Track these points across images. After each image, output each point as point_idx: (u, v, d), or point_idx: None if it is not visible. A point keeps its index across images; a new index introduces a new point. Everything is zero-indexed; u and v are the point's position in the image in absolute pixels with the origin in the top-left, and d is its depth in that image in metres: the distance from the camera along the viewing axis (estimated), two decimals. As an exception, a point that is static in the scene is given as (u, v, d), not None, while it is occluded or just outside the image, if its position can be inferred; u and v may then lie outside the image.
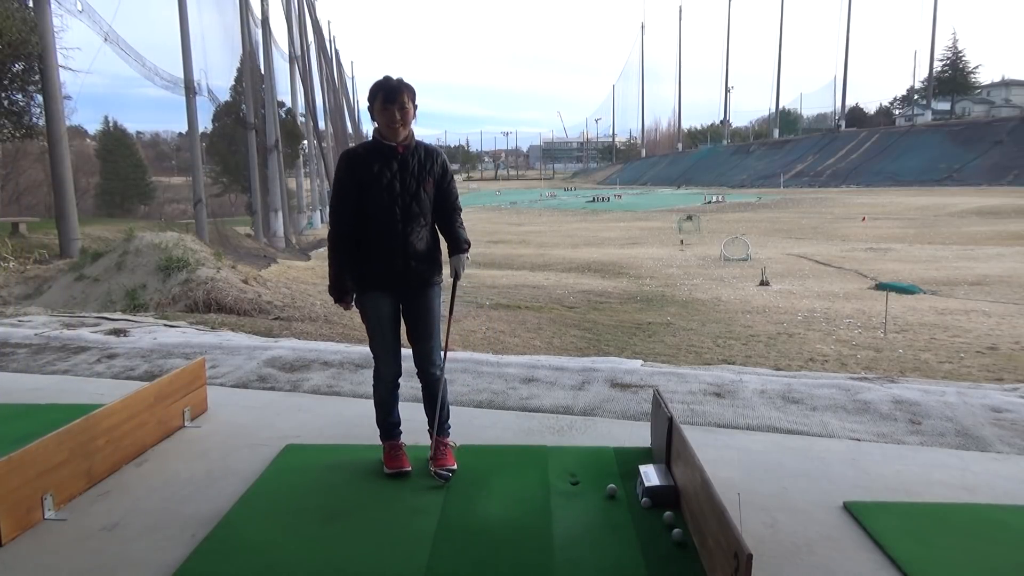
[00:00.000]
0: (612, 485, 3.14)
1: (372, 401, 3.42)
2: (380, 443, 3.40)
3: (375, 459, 3.40)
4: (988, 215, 30.24)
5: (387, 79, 3.12)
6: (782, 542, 2.76)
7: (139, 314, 8.22)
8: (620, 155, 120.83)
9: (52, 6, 13.56)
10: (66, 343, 5.92)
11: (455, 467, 3.30)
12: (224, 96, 23.94)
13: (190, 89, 17.59)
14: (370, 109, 3.16)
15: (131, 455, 3.48)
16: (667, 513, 2.87)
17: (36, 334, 6.25)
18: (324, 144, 36.13)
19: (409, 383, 4.84)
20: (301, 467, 3.42)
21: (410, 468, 3.30)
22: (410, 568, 2.56)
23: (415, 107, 3.16)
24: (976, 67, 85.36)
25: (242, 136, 23.65)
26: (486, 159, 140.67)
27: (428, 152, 3.23)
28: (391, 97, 3.08)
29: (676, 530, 2.74)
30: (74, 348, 5.77)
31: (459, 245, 3.29)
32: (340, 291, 3.21)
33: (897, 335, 8.97)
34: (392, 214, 3.14)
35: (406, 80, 3.14)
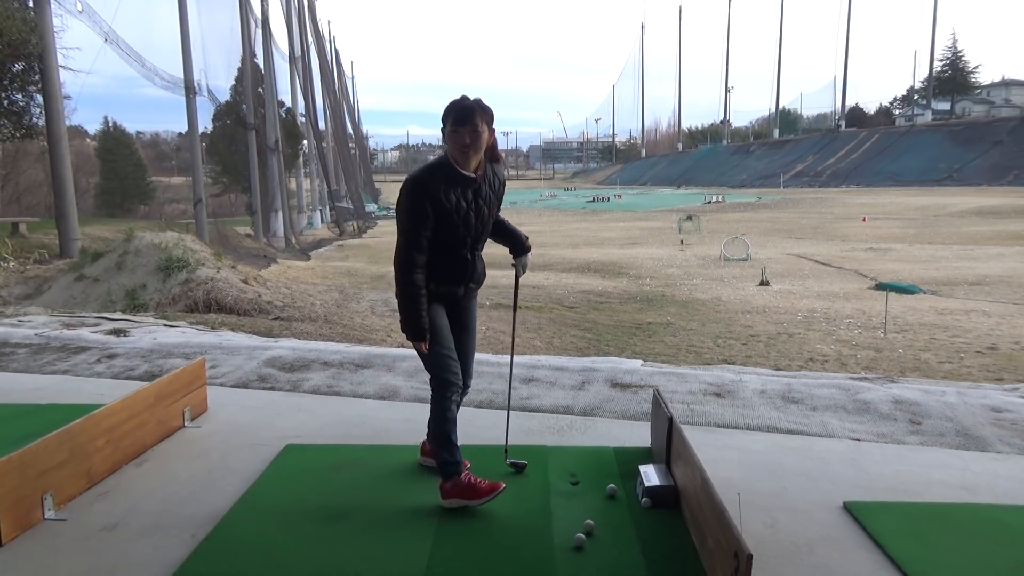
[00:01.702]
0: (612, 485, 3.14)
1: (421, 416, 3.20)
2: (378, 443, 3.37)
3: (375, 459, 3.40)
4: (988, 215, 30.25)
5: (462, 99, 2.89)
6: (782, 542, 2.76)
7: (139, 314, 8.22)
8: (620, 155, 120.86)
9: (52, 6, 13.53)
10: (66, 343, 5.92)
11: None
12: (224, 96, 23.90)
13: (190, 89, 17.58)
14: (443, 131, 2.91)
15: (131, 455, 3.48)
16: (587, 521, 2.81)
17: (36, 334, 6.25)
18: (324, 144, 36.14)
19: (410, 383, 4.83)
20: (301, 467, 3.42)
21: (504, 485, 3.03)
22: (410, 568, 2.56)
23: (492, 131, 2.91)
24: (976, 67, 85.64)
25: (242, 136, 23.65)
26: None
27: (495, 171, 3.05)
28: (462, 119, 2.84)
29: (578, 535, 2.72)
30: (74, 348, 5.77)
31: (524, 245, 3.25)
32: (420, 331, 2.91)
33: (897, 335, 8.97)
34: (465, 244, 2.99)
35: (483, 103, 2.89)
